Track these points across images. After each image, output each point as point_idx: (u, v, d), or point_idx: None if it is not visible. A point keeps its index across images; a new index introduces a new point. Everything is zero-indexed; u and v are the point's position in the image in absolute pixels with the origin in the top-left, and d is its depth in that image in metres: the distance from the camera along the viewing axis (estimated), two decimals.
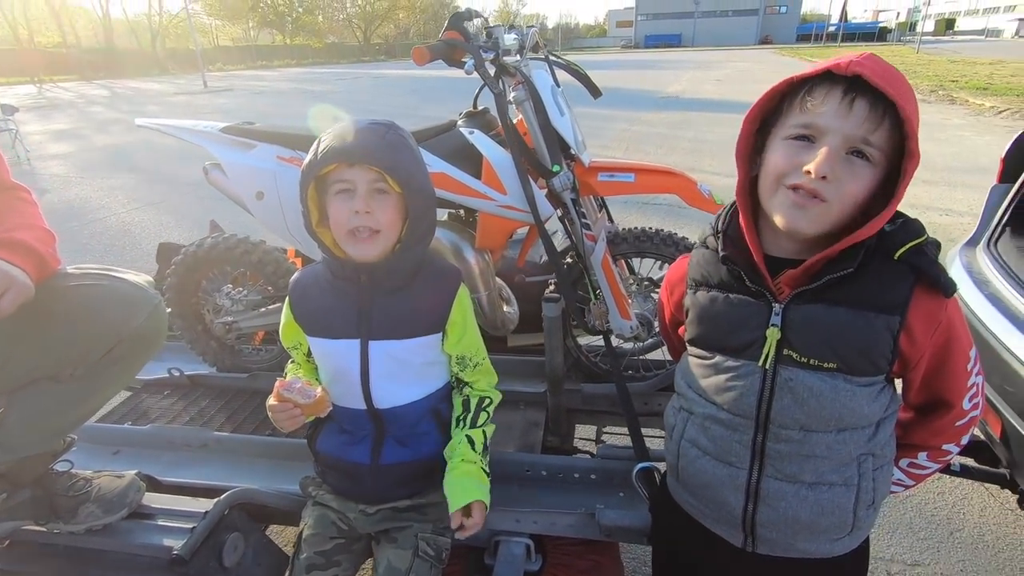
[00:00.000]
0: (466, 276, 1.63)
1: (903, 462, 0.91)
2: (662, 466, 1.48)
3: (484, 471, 1.10)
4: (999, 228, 1.99)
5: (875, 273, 0.73)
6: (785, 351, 0.77)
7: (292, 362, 1.20)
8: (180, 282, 1.80)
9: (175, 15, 52.73)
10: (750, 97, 0.76)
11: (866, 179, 0.69)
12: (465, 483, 1.06)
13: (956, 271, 1.96)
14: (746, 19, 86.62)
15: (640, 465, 1.24)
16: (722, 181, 5.32)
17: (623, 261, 1.81)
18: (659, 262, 1.73)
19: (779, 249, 0.79)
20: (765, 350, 0.78)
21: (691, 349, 0.89)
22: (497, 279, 1.88)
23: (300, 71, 35.78)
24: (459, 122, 1.59)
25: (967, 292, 1.83)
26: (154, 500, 1.28)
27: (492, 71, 1.45)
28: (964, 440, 0.86)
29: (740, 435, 0.82)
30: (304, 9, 62.95)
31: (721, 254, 0.81)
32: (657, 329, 1.61)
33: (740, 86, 16.30)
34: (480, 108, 1.59)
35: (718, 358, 0.84)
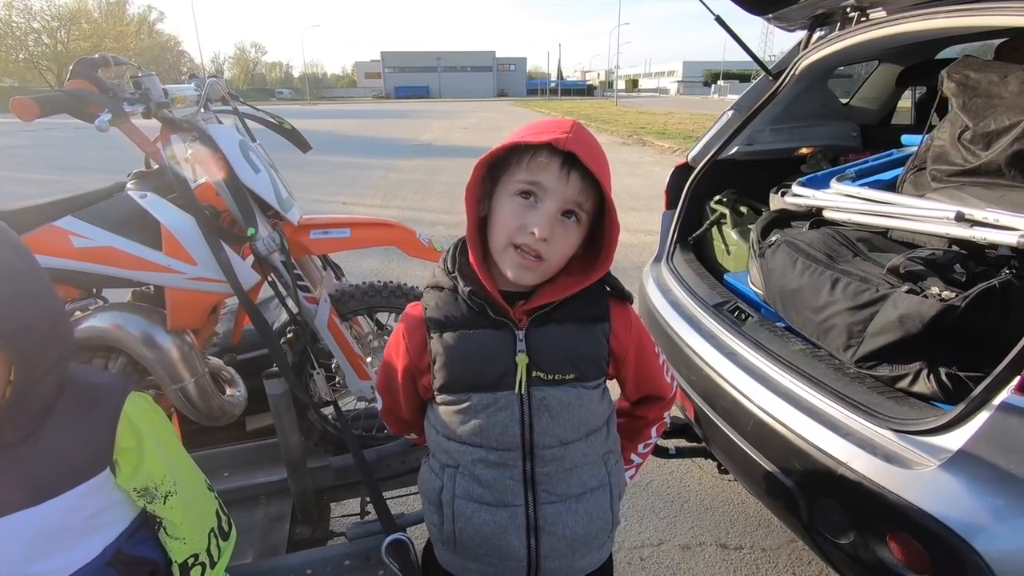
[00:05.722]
0: (163, 365, 1.36)
1: (640, 447, 1.06)
2: (416, 530, 1.40)
3: None
4: (672, 246, 2.45)
5: (583, 292, 0.86)
6: (534, 373, 0.84)
7: None
8: None
9: None
10: (495, 143, 0.82)
11: (574, 238, 0.83)
12: None
13: (648, 284, 2.35)
14: (483, 75, 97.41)
15: (388, 539, 1.16)
16: None
17: (358, 319, 1.73)
18: (394, 314, 1.69)
19: (507, 285, 0.85)
20: (518, 376, 0.83)
21: (442, 398, 0.88)
22: (215, 359, 1.62)
23: None
24: (128, 184, 1.33)
25: (657, 301, 2.19)
26: None
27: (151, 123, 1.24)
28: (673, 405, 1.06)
29: (511, 470, 0.85)
30: None
31: (467, 289, 0.84)
32: None
33: (485, 134, 17.92)
34: (155, 167, 1.36)
35: (474, 398, 0.85)
